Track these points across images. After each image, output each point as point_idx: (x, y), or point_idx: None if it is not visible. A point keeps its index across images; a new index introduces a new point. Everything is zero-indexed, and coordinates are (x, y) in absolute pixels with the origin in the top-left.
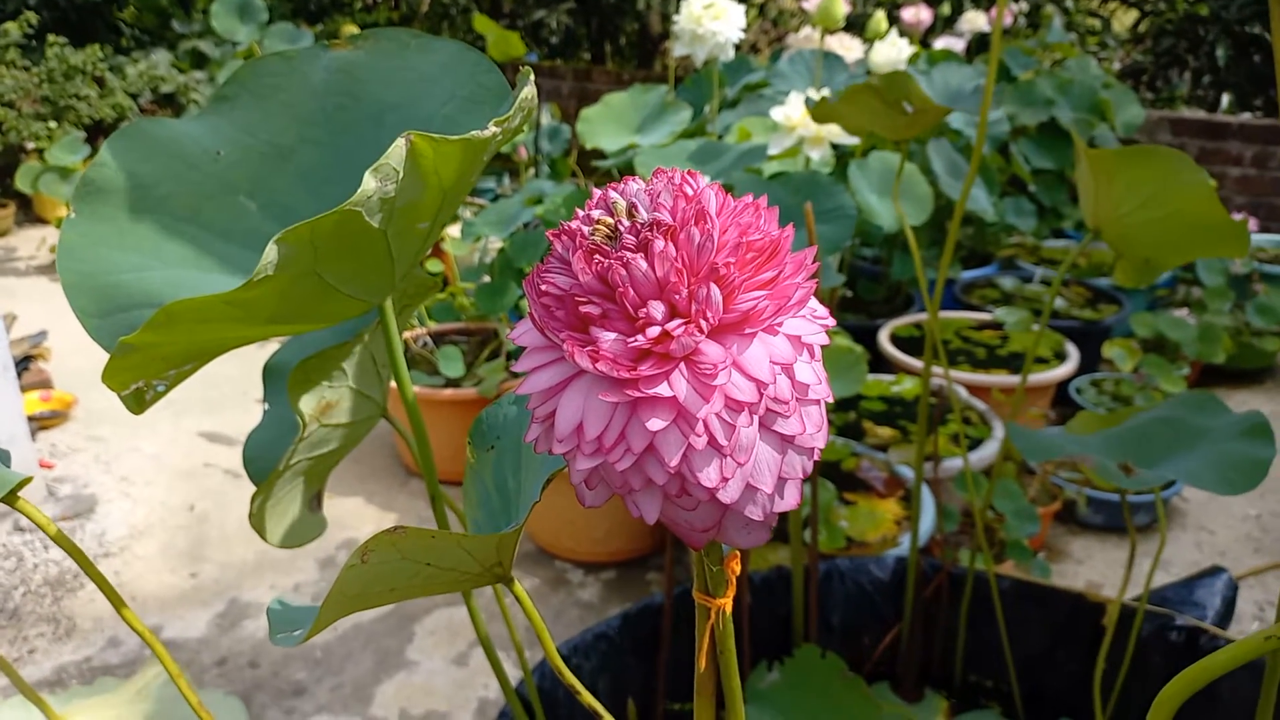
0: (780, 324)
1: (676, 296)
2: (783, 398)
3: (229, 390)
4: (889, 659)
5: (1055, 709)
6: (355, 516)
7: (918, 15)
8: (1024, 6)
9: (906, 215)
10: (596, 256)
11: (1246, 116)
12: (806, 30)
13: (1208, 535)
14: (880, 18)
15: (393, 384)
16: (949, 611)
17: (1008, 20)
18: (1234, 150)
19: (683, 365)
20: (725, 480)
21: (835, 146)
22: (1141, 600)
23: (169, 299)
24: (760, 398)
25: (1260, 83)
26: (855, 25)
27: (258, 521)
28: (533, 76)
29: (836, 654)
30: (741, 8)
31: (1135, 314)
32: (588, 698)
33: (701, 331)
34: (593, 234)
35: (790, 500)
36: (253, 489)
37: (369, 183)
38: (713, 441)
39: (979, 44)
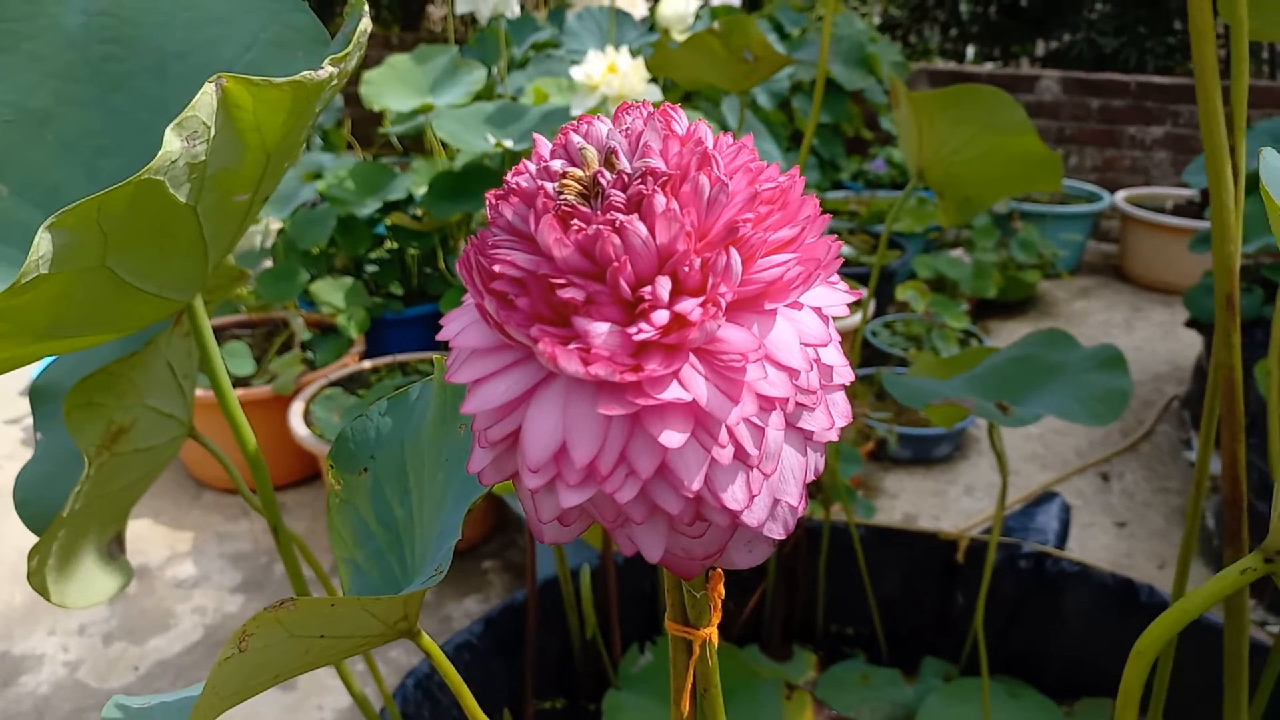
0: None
1: (684, 269)
2: (811, 387)
3: None
4: (754, 621)
5: (915, 648)
6: (142, 539)
7: None
8: None
9: None
10: (575, 222)
11: (989, 66)
12: None
13: None
14: None
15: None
16: (808, 565)
17: None
18: None
19: (693, 358)
20: (753, 498)
21: None
22: (994, 533)
23: None
24: (793, 391)
25: (998, 35)
26: None
27: (38, 581)
28: (367, 9)
29: None
30: None
31: (917, 257)
32: None
33: (722, 312)
34: (561, 192)
35: (802, 505)
36: (15, 513)
37: (172, 143)
38: (739, 453)
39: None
